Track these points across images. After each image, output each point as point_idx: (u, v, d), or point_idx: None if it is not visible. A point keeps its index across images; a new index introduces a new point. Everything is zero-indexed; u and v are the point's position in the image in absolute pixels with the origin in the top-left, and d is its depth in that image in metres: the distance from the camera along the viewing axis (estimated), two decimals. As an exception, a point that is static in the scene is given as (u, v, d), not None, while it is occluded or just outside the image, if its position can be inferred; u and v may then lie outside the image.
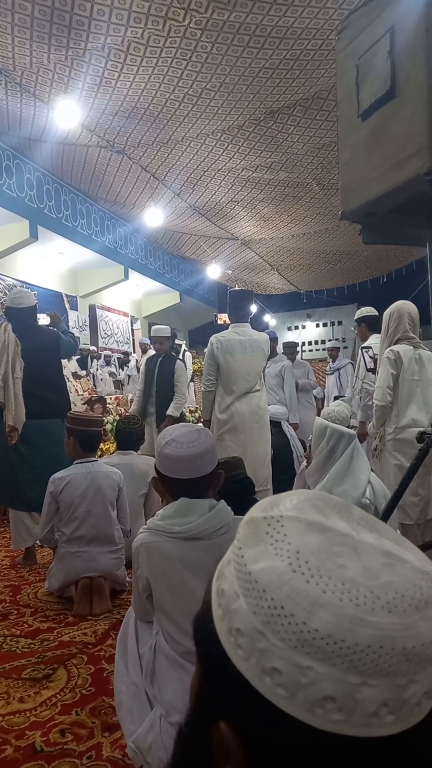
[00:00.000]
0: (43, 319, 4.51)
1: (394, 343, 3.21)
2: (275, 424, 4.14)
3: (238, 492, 2.15)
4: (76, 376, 8.40)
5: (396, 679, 0.38)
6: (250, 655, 0.41)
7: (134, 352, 12.39)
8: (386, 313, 3.28)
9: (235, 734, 0.42)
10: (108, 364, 10.71)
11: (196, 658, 0.49)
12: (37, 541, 3.42)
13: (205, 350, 3.83)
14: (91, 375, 9.45)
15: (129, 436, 3.66)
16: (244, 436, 3.66)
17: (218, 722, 0.43)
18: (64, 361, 4.37)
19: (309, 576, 0.40)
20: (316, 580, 0.40)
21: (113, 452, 4.17)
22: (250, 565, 0.43)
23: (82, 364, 9.73)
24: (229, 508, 1.52)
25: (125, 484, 3.45)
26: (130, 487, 3.47)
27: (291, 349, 7.02)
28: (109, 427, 5.47)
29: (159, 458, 1.51)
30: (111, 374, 9.95)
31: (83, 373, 9.66)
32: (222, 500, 1.53)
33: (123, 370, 11.05)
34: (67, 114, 6.09)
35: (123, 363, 11.11)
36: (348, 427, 2.27)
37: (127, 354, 11.87)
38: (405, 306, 3.22)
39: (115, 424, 5.61)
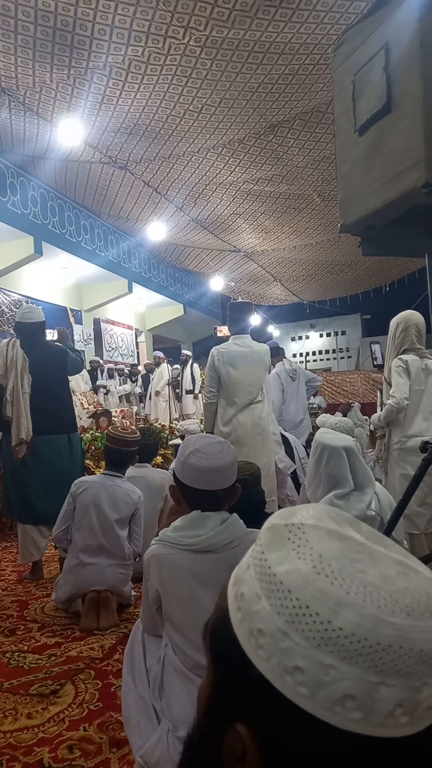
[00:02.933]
0: (51, 335, 4.55)
1: (401, 353, 3.21)
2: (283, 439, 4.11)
3: (252, 508, 2.14)
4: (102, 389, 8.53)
5: (412, 680, 0.40)
6: (272, 655, 0.42)
7: (139, 365, 12.44)
8: (393, 323, 3.29)
9: (252, 736, 0.43)
10: (111, 377, 10.76)
11: (207, 665, 0.50)
12: (46, 552, 3.43)
13: (207, 362, 3.84)
14: (103, 388, 9.53)
15: (143, 448, 3.64)
16: (247, 449, 3.66)
17: (234, 725, 0.44)
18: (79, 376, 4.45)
19: (333, 578, 0.42)
20: (339, 582, 0.42)
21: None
22: (275, 567, 0.45)
23: (93, 377, 9.80)
24: (242, 521, 1.52)
25: (145, 498, 3.45)
26: (147, 500, 3.46)
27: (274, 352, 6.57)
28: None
29: (182, 467, 1.50)
30: (123, 390, 10.02)
31: (112, 384, 9.74)
32: (234, 513, 1.53)
33: (134, 383, 11.11)
34: (69, 131, 6.18)
35: (133, 375, 11.17)
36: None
37: (135, 366, 11.93)
38: (412, 317, 3.23)
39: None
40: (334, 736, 0.40)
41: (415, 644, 0.40)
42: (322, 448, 2.08)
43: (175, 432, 6.57)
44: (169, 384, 9.81)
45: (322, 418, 2.98)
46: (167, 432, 6.79)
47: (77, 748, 1.75)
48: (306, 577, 0.43)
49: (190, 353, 10.86)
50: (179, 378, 10.25)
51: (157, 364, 10.33)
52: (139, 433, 3.28)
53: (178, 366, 10.46)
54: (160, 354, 10.56)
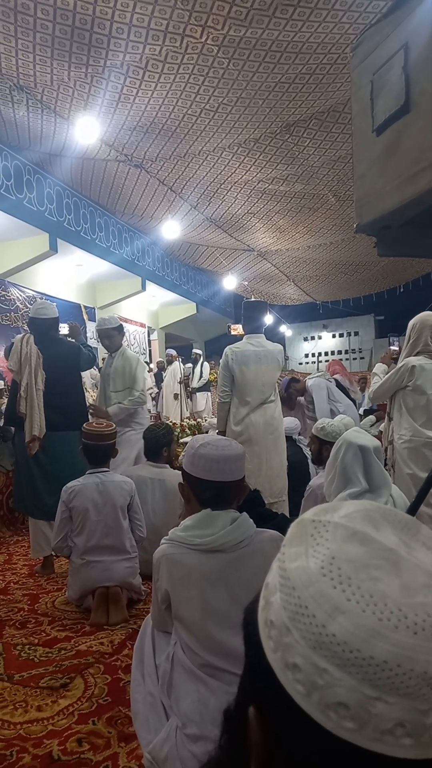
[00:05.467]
0: (63, 329, 4.57)
1: (414, 355, 3.20)
2: (287, 438, 4.08)
3: (253, 503, 2.15)
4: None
5: (416, 702, 0.37)
6: (278, 648, 0.43)
7: (150, 362, 12.48)
8: (410, 324, 3.29)
9: (259, 722, 0.44)
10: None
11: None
12: (53, 551, 3.45)
13: (220, 361, 3.84)
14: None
15: (154, 441, 3.60)
16: (259, 448, 3.66)
17: (249, 707, 0.45)
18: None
19: (337, 582, 0.41)
20: (343, 587, 0.41)
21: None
22: (288, 562, 0.45)
23: None
24: (252, 521, 1.52)
25: (158, 500, 3.44)
26: (164, 504, 3.44)
27: None
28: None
29: (192, 460, 1.51)
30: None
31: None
32: (244, 513, 1.53)
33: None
34: (86, 130, 6.21)
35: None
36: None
37: (147, 364, 11.97)
38: (428, 318, 3.21)
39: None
40: (328, 739, 0.39)
41: (417, 665, 0.37)
42: (341, 442, 2.09)
43: (187, 430, 6.59)
44: (180, 382, 9.84)
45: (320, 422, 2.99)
46: (179, 430, 6.81)
47: (86, 742, 1.76)
48: (310, 576, 0.42)
49: (200, 352, 10.88)
50: (190, 376, 10.28)
51: (170, 363, 10.37)
52: (114, 426, 3.25)
53: (190, 364, 10.49)
54: (173, 352, 10.59)
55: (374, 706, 0.38)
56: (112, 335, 4.23)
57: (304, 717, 0.40)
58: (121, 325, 4.27)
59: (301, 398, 5.13)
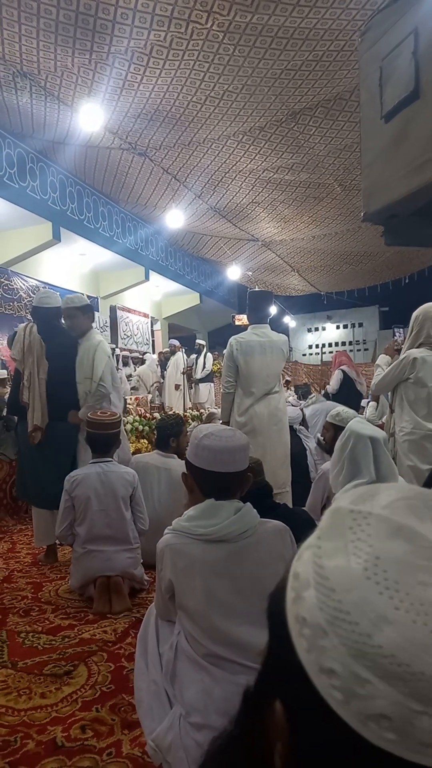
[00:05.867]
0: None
1: (416, 347, 3.19)
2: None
3: (256, 496, 2.15)
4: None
5: None
6: (312, 649, 0.40)
7: (153, 353, 12.47)
8: (413, 316, 3.27)
9: (286, 719, 0.42)
10: (126, 365, 10.80)
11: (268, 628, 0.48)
12: (57, 540, 3.47)
13: (224, 352, 3.82)
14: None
15: (160, 431, 3.65)
16: (263, 438, 3.66)
17: (274, 700, 0.43)
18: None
19: (384, 587, 0.37)
20: (390, 593, 0.37)
21: (137, 451, 4.16)
22: (325, 559, 0.41)
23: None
24: (256, 511, 1.52)
25: (163, 490, 3.44)
26: (169, 494, 3.45)
27: None
28: (129, 427, 5.51)
29: (195, 450, 1.51)
30: (127, 377, 10.05)
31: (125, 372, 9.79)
32: (248, 503, 1.53)
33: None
34: (90, 117, 6.16)
35: (142, 362, 11.19)
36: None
37: (145, 354, 11.96)
38: (431, 310, 3.20)
39: (134, 424, 5.67)
40: (364, 746, 0.36)
41: None
42: (349, 434, 2.09)
43: (190, 421, 6.60)
44: (183, 373, 9.84)
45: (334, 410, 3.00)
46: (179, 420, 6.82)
47: (89, 729, 1.78)
48: (353, 579, 0.39)
49: (204, 342, 10.86)
50: (193, 367, 10.27)
51: (173, 353, 10.35)
52: (118, 415, 3.26)
53: (194, 355, 10.48)
54: (176, 342, 10.57)
55: (419, 720, 0.35)
56: (74, 316, 3.67)
57: (338, 722, 0.37)
58: (87, 305, 3.74)
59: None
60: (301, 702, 0.40)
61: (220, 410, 4.28)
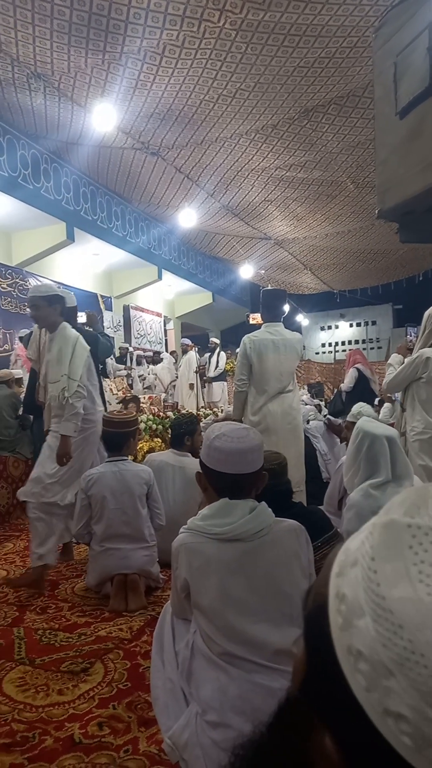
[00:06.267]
0: (80, 318, 4.58)
1: (429, 346, 3.17)
2: None
3: (279, 498, 2.14)
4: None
5: None
6: (373, 688, 0.35)
7: (167, 352, 12.51)
8: (425, 315, 3.24)
9: (340, 757, 0.37)
10: (140, 364, 10.84)
11: (301, 644, 0.44)
12: (74, 538, 3.49)
13: (238, 350, 3.81)
14: (129, 374, 9.61)
15: (174, 429, 3.68)
16: (277, 437, 3.64)
17: (323, 734, 0.39)
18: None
19: None
20: None
21: (151, 450, 4.18)
22: (385, 587, 0.36)
23: (121, 363, 9.90)
24: (270, 510, 1.52)
25: (178, 488, 3.45)
26: (184, 492, 3.46)
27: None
28: (143, 426, 5.54)
29: (207, 451, 1.51)
30: (140, 376, 10.08)
31: (149, 370, 9.81)
32: (263, 502, 1.52)
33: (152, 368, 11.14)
34: (103, 117, 6.19)
35: (155, 362, 11.23)
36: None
37: (157, 354, 12.00)
38: None
39: (148, 423, 5.69)
40: None
41: None
42: (363, 435, 2.07)
43: (202, 419, 6.60)
44: (196, 372, 9.84)
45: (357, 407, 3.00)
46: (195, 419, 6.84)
47: (106, 726, 1.78)
48: (425, 615, 0.33)
49: (218, 341, 10.87)
50: (206, 366, 10.27)
51: (185, 352, 10.35)
52: (134, 414, 3.28)
53: (208, 353, 10.48)
54: (188, 341, 10.58)
55: None
56: (38, 306, 3.22)
57: (404, 766, 0.34)
58: (55, 296, 3.25)
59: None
60: (361, 744, 0.36)
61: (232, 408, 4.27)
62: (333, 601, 0.39)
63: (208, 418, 6.32)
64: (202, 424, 6.11)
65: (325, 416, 4.93)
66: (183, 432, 3.63)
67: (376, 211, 1.99)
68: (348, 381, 6.98)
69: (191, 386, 9.68)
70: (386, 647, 0.34)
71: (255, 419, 3.67)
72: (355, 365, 7.04)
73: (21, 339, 6.68)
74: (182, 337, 11.96)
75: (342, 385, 7.27)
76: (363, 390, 6.85)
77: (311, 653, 0.42)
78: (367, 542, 0.39)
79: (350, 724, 0.36)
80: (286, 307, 3.97)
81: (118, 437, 3.10)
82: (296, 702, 0.44)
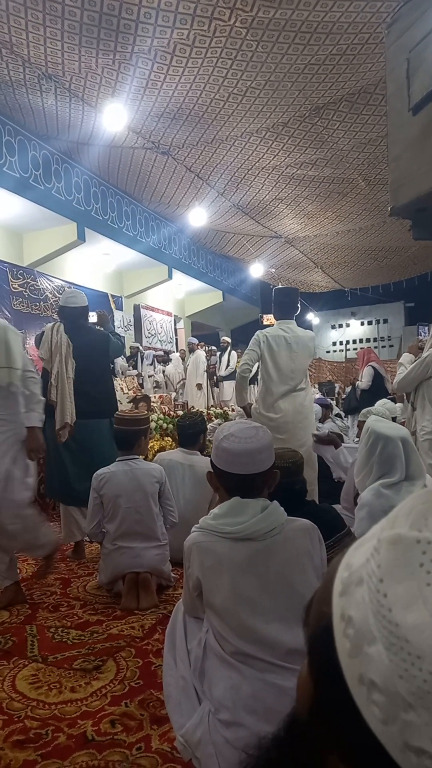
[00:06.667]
0: (92, 317, 4.60)
1: None
2: None
3: (293, 497, 2.13)
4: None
5: None
6: (390, 721, 0.32)
7: (177, 351, 12.52)
8: None
9: None
10: (151, 363, 10.86)
11: (306, 665, 0.41)
12: (86, 537, 3.50)
13: (251, 340, 3.80)
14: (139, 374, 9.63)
15: (183, 430, 3.68)
16: (288, 435, 3.64)
17: (337, 762, 0.37)
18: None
19: None
20: None
21: (161, 448, 4.19)
22: (398, 612, 0.33)
23: (131, 362, 9.92)
24: (282, 509, 1.51)
25: (188, 486, 3.46)
26: (193, 490, 3.47)
27: None
28: (153, 425, 5.55)
29: (216, 452, 1.51)
30: (150, 376, 10.09)
31: (155, 370, 9.82)
32: (275, 501, 1.52)
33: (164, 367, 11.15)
34: (114, 117, 6.21)
35: (165, 361, 11.24)
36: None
37: (167, 353, 12.01)
38: None
39: (158, 422, 5.71)
40: None
41: None
42: (376, 436, 2.05)
43: (214, 419, 6.60)
44: (206, 371, 9.83)
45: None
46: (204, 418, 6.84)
47: (119, 723, 1.79)
48: None
49: (229, 340, 10.85)
50: (217, 364, 10.26)
51: (192, 351, 10.33)
52: (146, 413, 3.29)
53: (215, 351, 10.47)
54: (195, 341, 10.57)
55: None
56: None
57: None
58: None
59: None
60: None
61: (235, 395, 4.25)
62: (338, 622, 0.36)
63: (217, 420, 6.32)
64: (210, 427, 6.13)
65: (336, 414, 4.91)
66: (192, 432, 3.64)
67: (389, 208, 1.97)
68: (366, 379, 7.04)
69: (199, 386, 9.67)
70: (403, 679, 0.32)
71: (267, 416, 3.67)
72: (371, 363, 7.09)
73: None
74: (191, 336, 11.96)
75: (359, 383, 7.29)
76: (378, 388, 6.88)
77: (318, 678, 0.39)
78: (373, 560, 0.36)
79: (366, 755, 0.34)
80: (299, 306, 3.98)
81: (130, 435, 3.12)
82: (306, 724, 0.41)
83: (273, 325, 3.91)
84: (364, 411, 3.10)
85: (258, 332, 3.79)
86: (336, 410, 6.56)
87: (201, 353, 10.03)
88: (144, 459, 3.24)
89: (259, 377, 3.97)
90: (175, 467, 3.50)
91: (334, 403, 6.90)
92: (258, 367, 3.89)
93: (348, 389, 8.83)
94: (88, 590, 3.06)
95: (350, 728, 0.34)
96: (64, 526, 3.67)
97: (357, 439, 4.54)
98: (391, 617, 0.33)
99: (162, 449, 5.14)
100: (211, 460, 1.56)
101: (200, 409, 7.91)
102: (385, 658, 0.32)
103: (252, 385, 10.18)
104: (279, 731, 0.46)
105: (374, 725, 0.33)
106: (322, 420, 4.65)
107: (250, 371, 3.76)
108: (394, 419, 4.44)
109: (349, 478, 3.12)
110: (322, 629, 0.38)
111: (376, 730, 0.33)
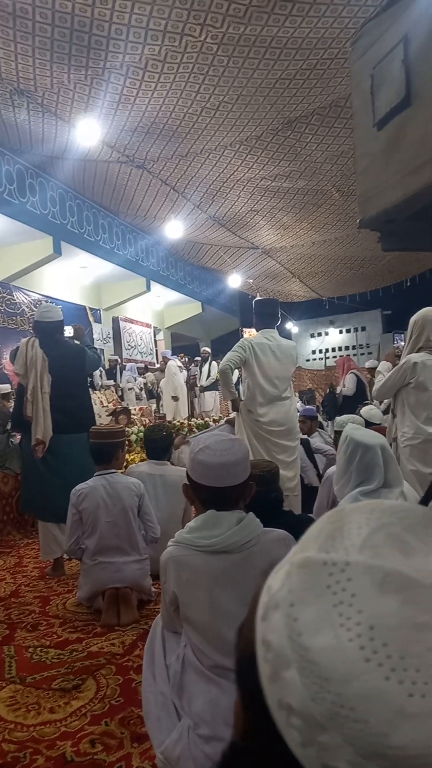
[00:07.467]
0: (67, 332, 4.58)
1: (416, 351, 3.19)
2: None
3: (268, 507, 2.13)
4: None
5: None
6: (308, 744, 0.33)
7: (157, 363, 12.50)
8: (411, 320, 3.27)
9: None
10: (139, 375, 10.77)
11: (237, 690, 0.41)
12: (65, 554, 3.46)
13: (238, 343, 3.81)
14: (117, 386, 9.56)
15: (155, 443, 3.66)
16: (272, 443, 3.66)
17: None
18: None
19: (388, 669, 0.30)
20: (399, 675, 0.30)
21: (142, 461, 4.17)
22: (307, 636, 0.33)
23: (110, 375, 9.84)
24: (258, 520, 1.51)
25: (161, 496, 3.45)
26: (167, 499, 3.46)
27: None
28: (133, 437, 5.52)
29: (191, 464, 1.51)
30: (130, 389, 10.03)
31: (133, 384, 9.74)
32: (251, 512, 1.52)
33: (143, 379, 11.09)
34: (87, 132, 6.23)
35: (143, 374, 11.19)
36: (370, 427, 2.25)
37: (147, 365, 11.97)
38: (430, 314, 3.20)
39: (139, 434, 5.68)
40: None
41: None
42: (355, 445, 2.06)
43: (195, 429, 6.59)
44: (186, 382, 9.80)
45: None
46: (186, 429, 6.81)
47: (99, 743, 1.76)
48: (350, 666, 0.31)
49: (209, 350, 10.86)
50: (197, 375, 10.25)
51: (166, 363, 10.22)
52: (122, 427, 3.29)
53: (197, 362, 10.44)
54: (168, 353, 10.50)
55: None
56: None
57: None
58: None
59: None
60: None
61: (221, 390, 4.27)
62: (260, 647, 0.36)
63: (199, 432, 6.31)
64: (191, 439, 6.12)
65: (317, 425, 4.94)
66: (161, 447, 3.65)
67: (358, 220, 2.01)
68: (350, 385, 7.19)
69: (174, 398, 9.61)
70: (315, 701, 0.32)
71: (252, 422, 3.69)
72: (352, 370, 7.26)
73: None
74: (165, 349, 11.95)
75: (343, 389, 7.40)
76: (360, 394, 7.03)
77: (246, 702, 0.39)
78: (286, 584, 0.36)
79: None
80: (279, 316, 4.03)
81: (107, 448, 3.10)
82: (243, 750, 0.41)
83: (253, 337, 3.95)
84: (338, 420, 3.12)
85: (243, 339, 3.84)
86: (328, 429, 6.61)
87: (172, 365, 9.87)
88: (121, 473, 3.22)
89: (242, 386, 3.98)
90: (146, 480, 3.48)
91: (320, 416, 6.97)
92: (239, 377, 3.92)
93: (326, 393, 8.94)
94: (68, 607, 3.01)
95: (277, 752, 0.34)
96: (43, 543, 3.62)
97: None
98: (301, 641, 0.33)
99: (143, 461, 5.12)
100: (186, 473, 1.56)
101: (179, 420, 7.91)
102: (299, 682, 0.33)
103: (216, 391, 10.21)
104: (223, 756, 0.46)
105: (295, 748, 0.33)
106: (308, 433, 4.67)
107: (232, 369, 3.76)
108: (378, 425, 4.49)
109: (321, 493, 3.13)
110: (248, 654, 0.38)
111: (297, 753, 0.33)
